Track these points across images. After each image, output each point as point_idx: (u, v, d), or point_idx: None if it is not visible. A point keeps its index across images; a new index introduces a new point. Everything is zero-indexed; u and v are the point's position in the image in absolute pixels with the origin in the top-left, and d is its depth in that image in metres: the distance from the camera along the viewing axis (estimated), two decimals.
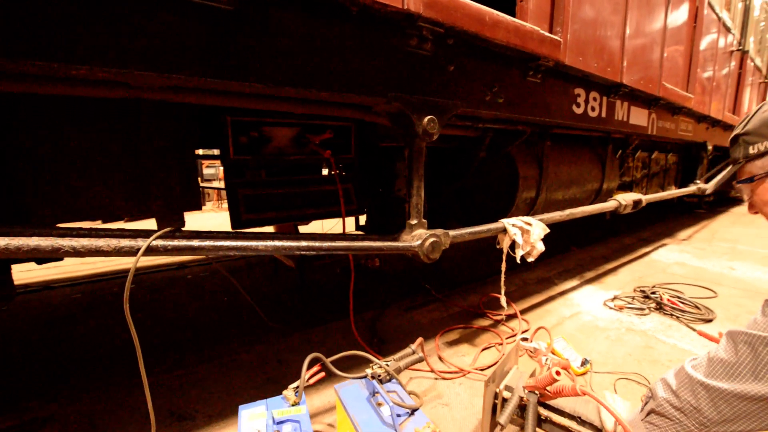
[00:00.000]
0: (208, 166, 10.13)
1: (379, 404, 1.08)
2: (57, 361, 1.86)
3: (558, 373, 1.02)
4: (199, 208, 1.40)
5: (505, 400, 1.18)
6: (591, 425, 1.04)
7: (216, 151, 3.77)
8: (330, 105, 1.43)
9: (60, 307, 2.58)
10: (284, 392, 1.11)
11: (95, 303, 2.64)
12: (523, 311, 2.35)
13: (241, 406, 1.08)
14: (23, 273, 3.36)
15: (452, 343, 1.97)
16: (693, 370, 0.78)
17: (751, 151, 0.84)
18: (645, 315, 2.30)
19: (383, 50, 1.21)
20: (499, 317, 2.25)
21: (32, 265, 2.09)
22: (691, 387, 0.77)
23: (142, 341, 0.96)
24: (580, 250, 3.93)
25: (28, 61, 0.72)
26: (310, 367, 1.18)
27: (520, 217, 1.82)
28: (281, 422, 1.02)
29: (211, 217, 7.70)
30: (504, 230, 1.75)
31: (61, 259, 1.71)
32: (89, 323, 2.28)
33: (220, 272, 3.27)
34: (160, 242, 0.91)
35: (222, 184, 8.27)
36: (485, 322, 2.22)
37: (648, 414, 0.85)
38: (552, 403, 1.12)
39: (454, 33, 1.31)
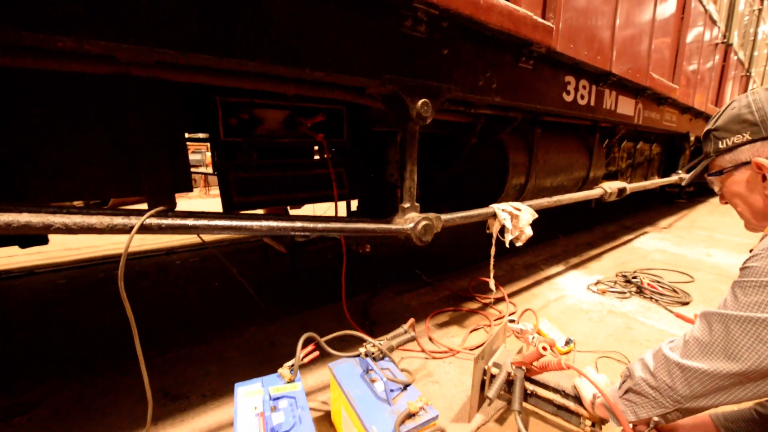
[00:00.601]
0: (194, 152, 9.90)
1: (373, 380, 1.12)
2: (44, 345, 1.83)
3: (545, 348, 1.06)
4: (190, 190, 1.38)
5: (493, 376, 1.23)
6: (574, 398, 1.10)
7: (203, 135, 3.69)
8: (323, 86, 1.41)
9: (45, 292, 2.53)
10: (280, 370, 1.13)
11: (81, 288, 2.60)
12: (511, 295, 2.41)
13: (236, 384, 1.10)
14: (5, 259, 3.28)
15: (442, 325, 2.02)
16: (670, 351, 0.83)
17: (721, 146, 0.90)
18: (626, 298, 2.40)
19: (378, 31, 1.20)
20: (487, 300, 2.31)
21: (15, 250, 2.03)
22: (667, 368, 0.82)
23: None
24: (566, 237, 4.03)
25: (11, 31, 0.69)
26: (304, 346, 1.20)
27: (510, 203, 1.86)
28: (277, 398, 1.04)
29: (200, 204, 7.57)
30: (494, 215, 1.78)
31: (45, 242, 1.68)
32: (75, 308, 2.25)
33: (209, 257, 3.24)
34: (154, 220, 0.90)
35: (209, 170, 8.11)
36: (474, 305, 2.28)
37: (626, 392, 0.90)
38: (538, 378, 1.18)
39: (448, 15, 1.31)
